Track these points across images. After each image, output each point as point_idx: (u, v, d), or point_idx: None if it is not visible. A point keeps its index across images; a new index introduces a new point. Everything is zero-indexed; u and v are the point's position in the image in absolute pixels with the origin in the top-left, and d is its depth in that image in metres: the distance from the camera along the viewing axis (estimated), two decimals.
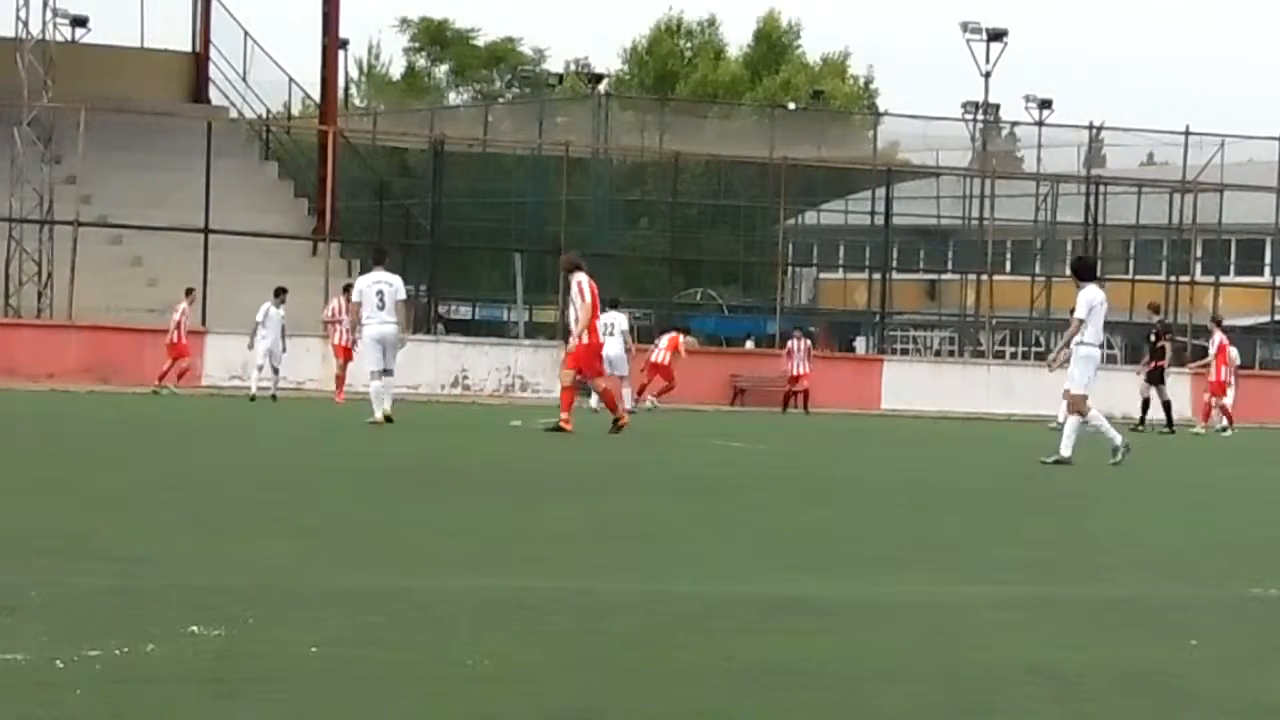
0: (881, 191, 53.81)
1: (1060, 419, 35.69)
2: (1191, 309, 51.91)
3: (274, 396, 34.08)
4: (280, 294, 35.39)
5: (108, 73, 49.61)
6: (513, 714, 5.68)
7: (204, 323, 40.31)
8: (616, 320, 38.00)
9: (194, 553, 9.40)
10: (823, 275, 66.88)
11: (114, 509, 11.92)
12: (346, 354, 34.38)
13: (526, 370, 43.24)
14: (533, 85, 75.69)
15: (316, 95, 50.77)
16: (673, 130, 52.14)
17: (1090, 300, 20.50)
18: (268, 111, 53.60)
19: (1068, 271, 22.91)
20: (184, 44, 54.79)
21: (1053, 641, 7.45)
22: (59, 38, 48.62)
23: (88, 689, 5.72)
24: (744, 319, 57.37)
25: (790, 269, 59.14)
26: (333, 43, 49.83)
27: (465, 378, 42.15)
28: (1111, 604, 8.82)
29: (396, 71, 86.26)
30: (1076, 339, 20.40)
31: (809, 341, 43.81)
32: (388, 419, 23.67)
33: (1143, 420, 35.67)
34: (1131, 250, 60.50)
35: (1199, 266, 55.57)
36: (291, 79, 53.96)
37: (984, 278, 52.36)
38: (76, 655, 6.17)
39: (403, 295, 24.57)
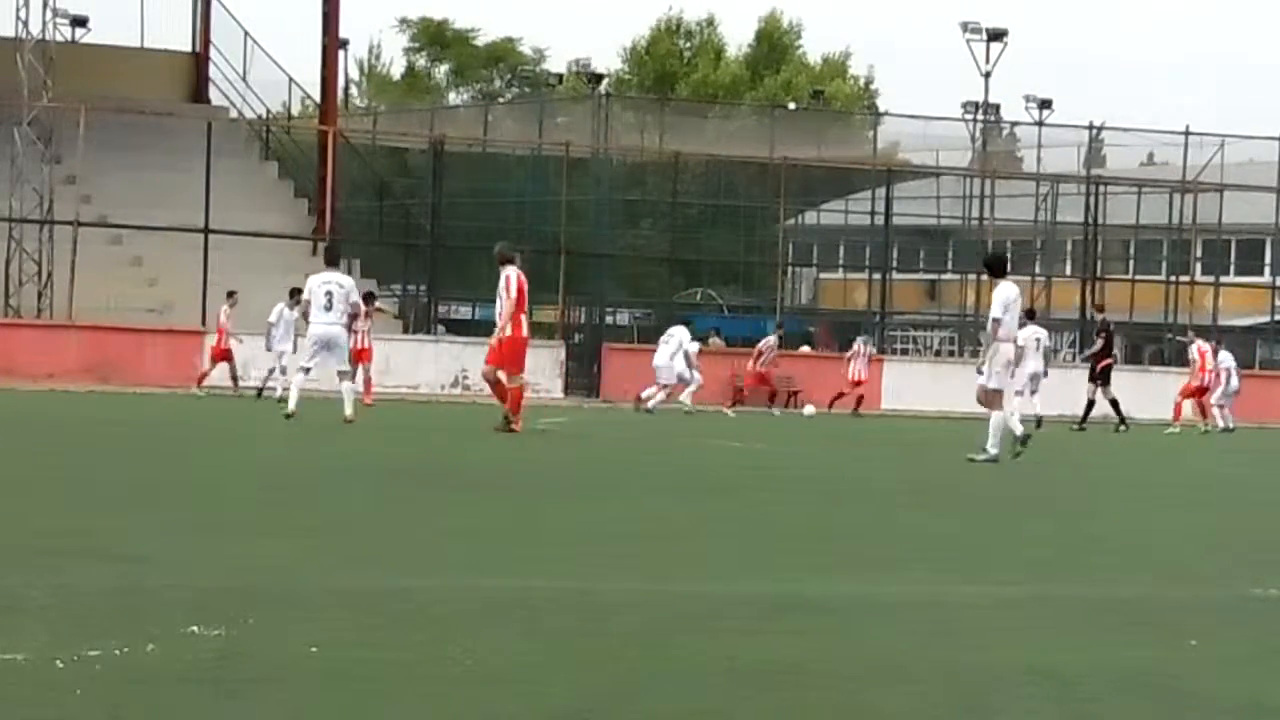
0: (881, 191, 53.77)
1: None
2: (1191, 309, 51.89)
3: (281, 399, 33.91)
4: (295, 295, 35.52)
5: (108, 73, 49.59)
6: (513, 714, 5.68)
7: (203, 323, 40.32)
8: (677, 332, 38.81)
9: (194, 553, 9.40)
10: (823, 275, 66.85)
11: (114, 509, 11.92)
12: (360, 357, 34.46)
13: (526, 370, 43.17)
14: (533, 85, 75.68)
15: (316, 95, 50.75)
16: (673, 130, 52.11)
17: (1005, 298, 20.51)
18: (268, 111, 53.58)
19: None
20: (184, 44, 54.78)
21: (1052, 642, 7.45)
22: (59, 38, 48.57)
23: (88, 689, 5.72)
24: (745, 319, 57.32)
25: (790, 269, 59.12)
26: (333, 43, 49.81)
27: (465, 378, 42.12)
28: (1111, 604, 8.82)
29: (396, 71, 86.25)
30: (995, 335, 20.40)
31: (873, 348, 43.57)
32: (348, 421, 23.59)
33: (1084, 420, 35.21)
34: (1131, 250, 60.47)
35: (1199, 266, 55.55)
36: (291, 79, 53.97)
37: (984, 278, 52.28)
38: (76, 655, 6.17)
39: (355, 298, 24.12)
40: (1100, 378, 35.44)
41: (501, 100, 77.04)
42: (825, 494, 15.95)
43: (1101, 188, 53.73)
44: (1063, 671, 6.70)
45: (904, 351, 62.68)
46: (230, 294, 37.33)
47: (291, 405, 23.73)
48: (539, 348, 44.88)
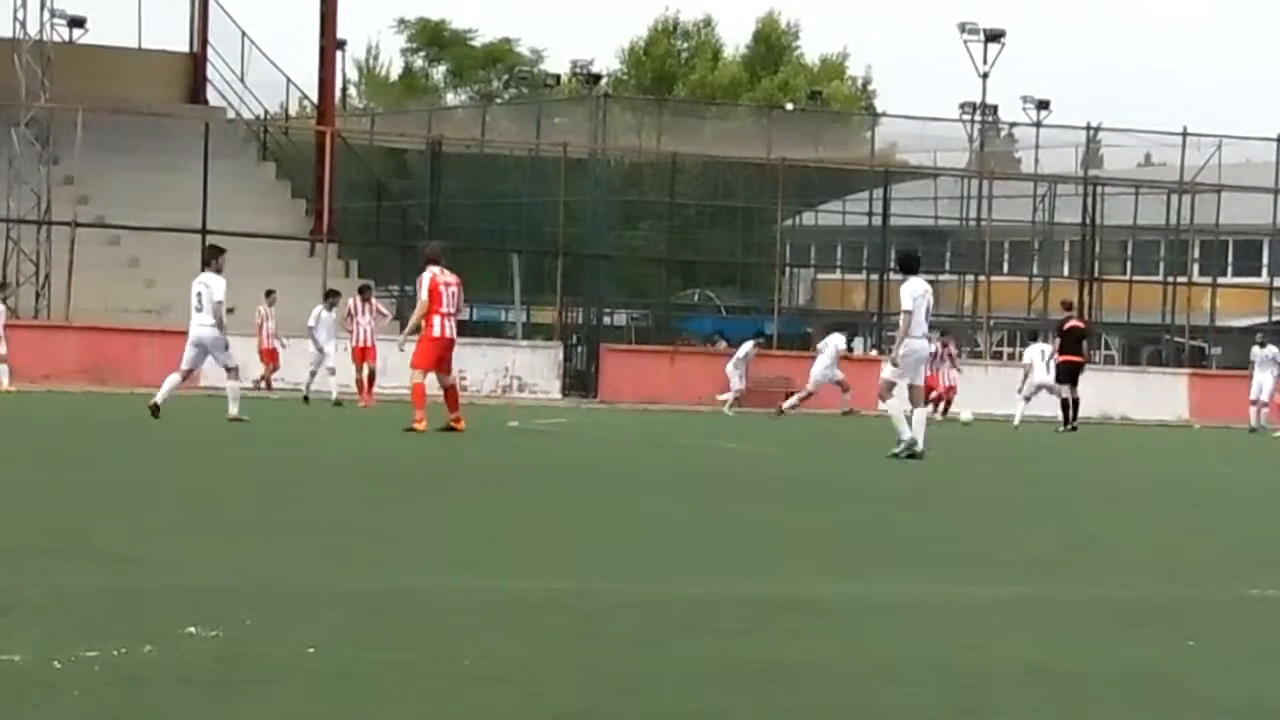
0: (879, 192, 53.78)
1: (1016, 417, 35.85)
2: (1189, 310, 51.92)
3: (337, 401, 33.77)
4: (331, 296, 35.73)
5: (105, 73, 49.59)
6: (512, 714, 5.68)
7: None
8: (832, 340, 39.13)
9: (191, 553, 9.39)
10: (820, 276, 66.86)
11: (111, 510, 11.91)
12: (364, 355, 34.46)
13: (524, 371, 43.25)
14: (530, 86, 75.69)
15: (314, 96, 50.76)
16: (671, 131, 52.13)
17: (914, 293, 20.59)
18: (265, 112, 53.58)
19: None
20: (182, 44, 54.78)
21: (1051, 642, 7.45)
22: (56, 38, 48.59)
23: (85, 690, 5.71)
24: (743, 319, 57.29)
25: (788, 269, 59.13)
26: (330, 43, 49.82)
27: (463, 378, 42.05)
28: (1110, 604, 8.82)
29: (394, 72, 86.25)
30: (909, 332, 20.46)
31: (952, 348, 42.80)
32: (236, 420, 23.68)
33: (1072, 419, 34.85)
34: (1129, 251, 60.48)
35: (1196, 267, 55.58)
36: (289, 80, 53.98)
37: (981, 278, 52.36)
38: (74, 656, 6.16)
39: (219, 297, 23.93)
40: (1065, 376, 34.91)
41: (499, 101, 77.04)
42: (822, 495, 15.95)
43: (1099, 188, 53.75)
44: (1062, 671, 6.70)
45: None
46: (269, 293, 37.37)
47: (158, 397, 23.98)
48: (537, 348, 44.98)
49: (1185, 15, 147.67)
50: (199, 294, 24.10)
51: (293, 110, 59.72)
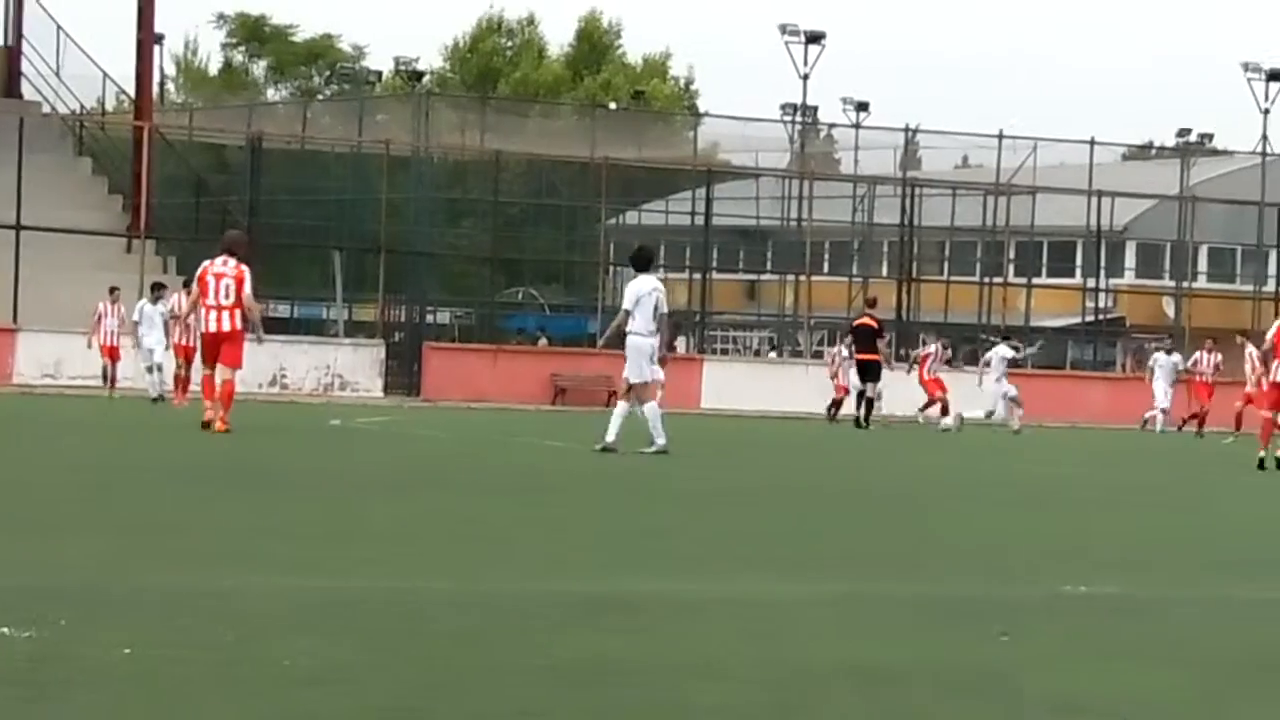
0: (702, 192, 54.04)
1: (935, 419, 35.97)
2: (1005, 310, 52.68)
3: (158, 397, 33.29)
4: (157, 289, 35.25)
5: None
6: (332, 714, 5.63)
7: (15, 320, 39.63)
8: (996, 353, 37.96)
9: (5, 553, 9.22)
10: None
11: None
12: (188, 353, 33.87)
13: (346, 369, 42.94)
14: (352, 82, 75.15)
15: (131, 91, 50.02)
16: (494, 129, 52.02)
17: (638, 290, 20.71)
18: (81, 107, 52.71)
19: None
20: None
21: (871, 638, 7.52)
22: None
23: None
24: (566, 318, 57.36)
25: (611, 268, 59.22)
26: (148, 37, 49.10)
27: (283, 376, 41.74)
28: (930, 601, 8.92)
29: (213, 67, 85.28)
30: (627, 328, 20.59)
31: (941, 349, 41.15)
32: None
33: (867, 418, 35.00)
34: (947, 252, 61.25)
35: (1012, 268, 56.40)
36: (106, 74, 53.11)
37: (802, 278, 52.79)
38: None
39: None
40: (863, 375, 35.15)
41: (321, 97, 76.45)
42: (645, 493, 15.98)
43: (917, 190, 54.36)
44: (881, 669, 6.76)
45: (724, 351, 63.05)
46: (113, 289, 36.74)
47: None
48: (359, 346, 44.66)
49: (1001, 17, 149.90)
50: None
51: (110, 105, 58.79)
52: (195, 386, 28.10)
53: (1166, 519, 15.63)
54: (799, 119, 54.69)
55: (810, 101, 54.49)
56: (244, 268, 21.98)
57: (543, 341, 49.64)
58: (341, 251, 50.15)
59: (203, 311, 21.99)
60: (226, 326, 21.79)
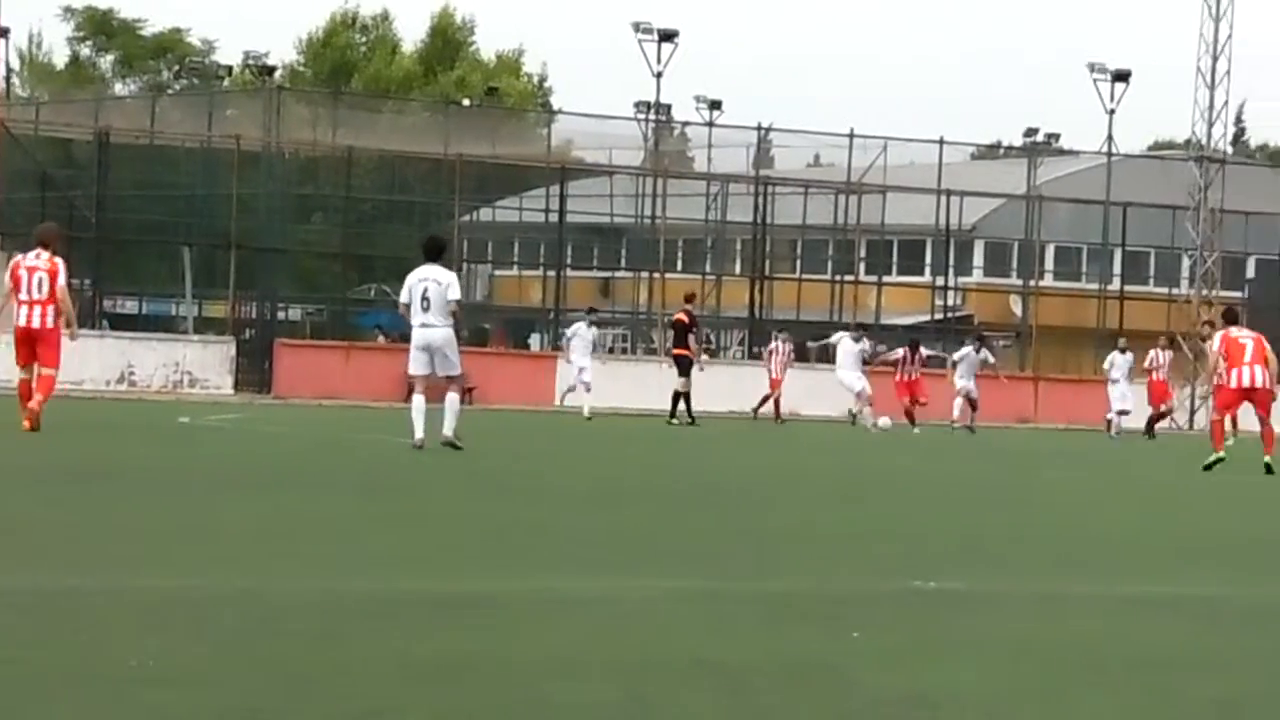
0: (555, 189, 54.03)
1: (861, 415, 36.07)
2: (856, 308, 53.10)
3: None
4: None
5: None
6: (181, 715, 5.59)
7: None
8: (845, 342, 37.60)
9: None
10: (497, 272, 66.92)
11: None
12: None
13: (195, 366, 42.55)
14: (202, 77, 74.39)
15: None
16: (346, 124, 51.68)
17: (408, 281, 20.34)
18: None
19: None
20: None
21: (720, 634, 7.57)
22: None
23: None
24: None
25: (465, 265, 59.06)
26: None
27: (132, 374, 41.30)
28: (777, 596, 8.99)
29: (60, 61, 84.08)
30: (415, 321, 20.16)
31: (791, 346, 41.23)
32: None
33: (674, 413, 35.05)
34: (799, 250, 61.65)
35: (863, 266, 56.87)
36: None
37: (656, 276, 52.92)
38: None
39: None
40: (678, 368, 35.36)
41: (170, 92, 75.60)
42: (502, 490, 15.97)
43: (769, 188, 54.69)
44: (730, 663, 6.81)
45: None
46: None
47: None
48: (208, 343, 44.26)
49: (852, 18, 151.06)
50: None
51: None
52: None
53: (1010, 515, 15.84)
54: (653, 117, 54.78)
55: (664, 99, 54.57)
56: (58, 261, 21.06)
57: (381, 339, 49.35)
58: (191, 247, 49.67)
59: (14, 307, 20.92)
60: (37, 323, 20.76)
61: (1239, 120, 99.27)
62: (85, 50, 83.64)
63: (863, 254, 57.10)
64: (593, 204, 59.03)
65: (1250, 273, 61.66)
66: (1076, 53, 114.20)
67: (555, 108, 71.05)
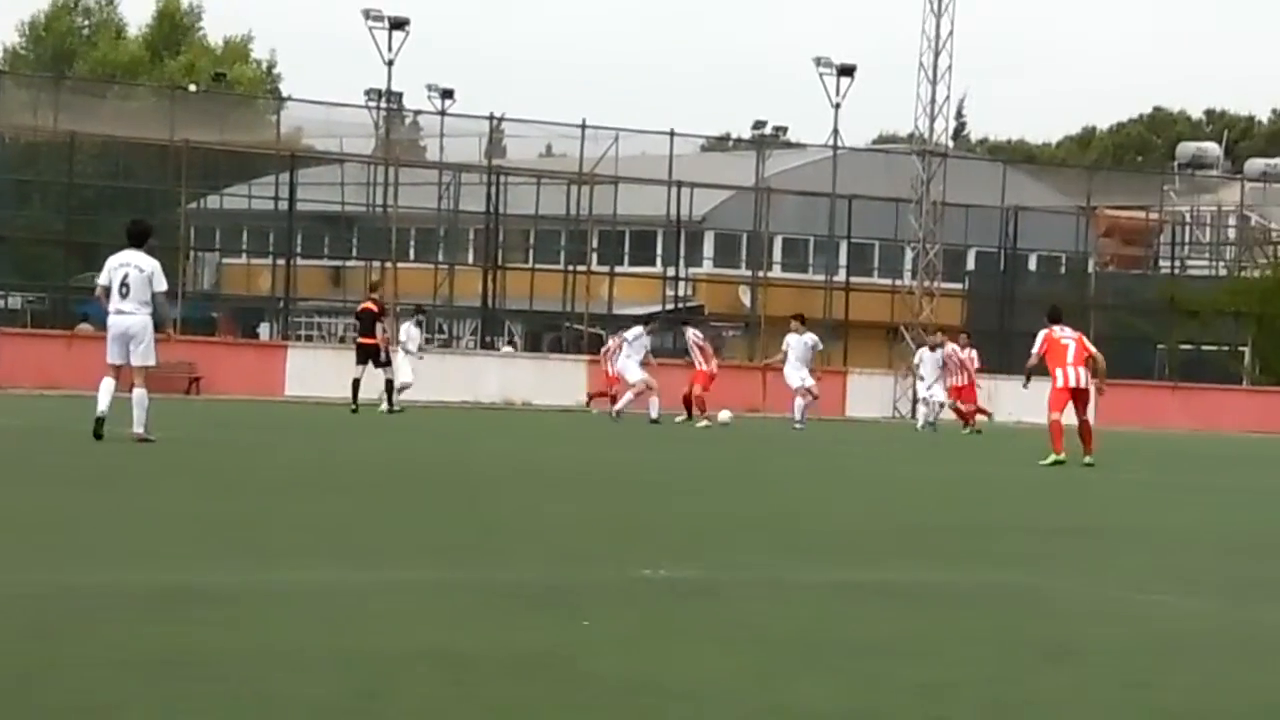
0: (285, 177, 53.43)
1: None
2: (588, 299, 53.33)
3: None
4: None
5: None
6: None
7: None
8: (635, 333, 36.44)
9: None
10: (226, 260, 66.02)
11: None
12: None
13: None
14: None
15: None
16: (69, 109, 50.57)
17: (109, 266, 19.87)
18: None
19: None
20: None
21: (451, 625, 7.56)
22: None
23: None
24: None
25: (192, 253, 58.17)
26: None
27: None
28: (508, 587, 9.00)
29: None
30: (113, 307, 19.80)
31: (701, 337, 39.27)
32: None
33: (354, 402, 34.88)
34: (531, 240, 61.72)
35: (595, 256, 57.13)
36: None
37: (388, 265, 52.64)
38: None
39: None
40: (369, 358, 35.19)
41: None
42: (221, 482, 15.75)
43: (502, 178, 54.67)
44: (460, 654, 6.80)
45: (308, 338, 62.46)
46: None
47: None
48: None
49: (583, 11, 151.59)
50: None
51: None
52: None
53: (739, 503, 16.03)
54: (384, 105, 54.43)
55: (395, 88, 54.21)
56: None
57: (84, 327, 48.37)
58: None
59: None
60: None
61: (960, 115, 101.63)
62: None
63: (595, 244, 57.36)
64: (323, 192, 58.51)
65: (971, 264, 63.13)
66: (803, 48, 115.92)
67: (285, 95, 70.26)
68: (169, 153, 50.46)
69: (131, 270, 19.56)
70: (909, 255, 55.86)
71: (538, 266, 57.24)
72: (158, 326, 19.66)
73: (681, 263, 58.07)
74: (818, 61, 54.81)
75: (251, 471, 17.40)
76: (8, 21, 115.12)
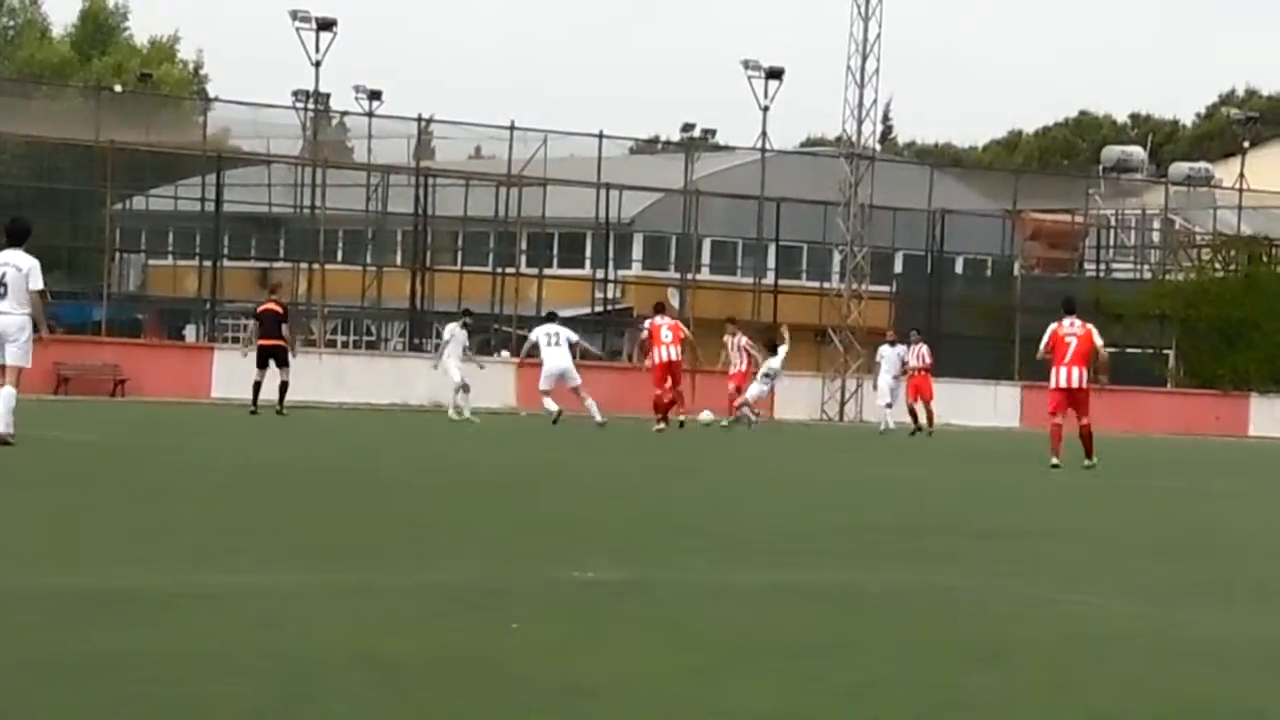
0: (212, 178, 53.15)
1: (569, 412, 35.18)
2: (517, 300, 53.26)
3: None
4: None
5: None
6: None
7: None
8: (561, 331, 35.04)
9: None
10: (151, 262, 65.62)
11: None
12: None
13: None
14: None
15: None
16: None
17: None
18: None
19: None
20: None
21: (378, 628, 7.50)
22: None
23: None
24: (69, 305, 55.69)
25: (118, 255, 57.79)
26: None
27: None
28: (436, 589, 8.95)
29: None
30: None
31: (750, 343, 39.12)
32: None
33: (254, 404, 34.69)
34: (460, 242, 61.60)
35: (524, 258, 57.06)
36: None
37: (316, 267, 52.41)
38: None
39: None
40: (262, 360, 34.98)
41: None
42: (150, 485, 15.63)
43: (430, 179, 54.54)
44: (387, 657, 6.75)
45: (235, 340, 62.16)
46: None
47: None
48: None
49: (510, 12, 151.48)
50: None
51: None
52: None
53: (673, 506, 16.02)
54: (311, 106, 54.19)
55: (323, 89, 54.01)
56: None
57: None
58: None
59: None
60: None
61: (887, 118, 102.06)
62: None
63: (524, 246, 57.30)
64: (250, 193, 58.22)
65: (898, 267, 63.39)
66: (732, 50, 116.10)
67: (212, 95, 69.87)
68: (94, 153, 50.12)
69: (10, 270, 19.19)
70: (837, 258, 56.02)
71: (466, 269, 57.12)
72: (35, 326, 19.22)
73: (611, 265, 58.07)
74: (746, 64, 54.91)
75: (178, 474, 17.27)
76: None
